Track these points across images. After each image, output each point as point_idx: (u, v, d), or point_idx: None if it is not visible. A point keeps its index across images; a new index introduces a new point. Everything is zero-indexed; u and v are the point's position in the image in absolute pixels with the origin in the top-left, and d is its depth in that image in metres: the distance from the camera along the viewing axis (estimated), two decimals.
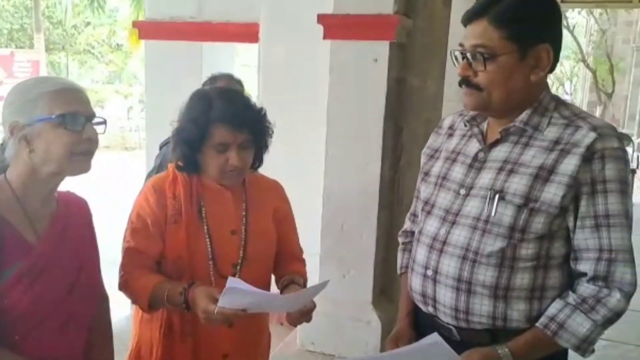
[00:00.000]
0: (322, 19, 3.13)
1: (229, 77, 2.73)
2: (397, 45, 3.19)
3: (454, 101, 1.44)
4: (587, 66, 27.47)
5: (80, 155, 1.39)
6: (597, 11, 24.40)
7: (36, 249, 1.39)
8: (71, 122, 1.36)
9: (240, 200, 1.78)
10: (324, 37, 3.13)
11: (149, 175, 2.43)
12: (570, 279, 1.44)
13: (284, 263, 1.87)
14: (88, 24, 21.26)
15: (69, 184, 1.53)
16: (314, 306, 1.65)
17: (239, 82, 2.73)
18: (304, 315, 1.64)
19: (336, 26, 3.13)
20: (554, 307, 1.40)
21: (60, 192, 1.51)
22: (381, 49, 3.11)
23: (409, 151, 3.43)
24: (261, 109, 1.75)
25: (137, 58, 20.87)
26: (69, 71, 20.98)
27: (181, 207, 1.70)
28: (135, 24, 5.13)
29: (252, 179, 1.83)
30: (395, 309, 1.79)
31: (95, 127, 1.42)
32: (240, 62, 20.50)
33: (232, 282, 1.46)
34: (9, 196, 1.37)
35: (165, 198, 1.71)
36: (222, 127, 1.63)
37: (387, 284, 3.43)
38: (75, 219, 1.52)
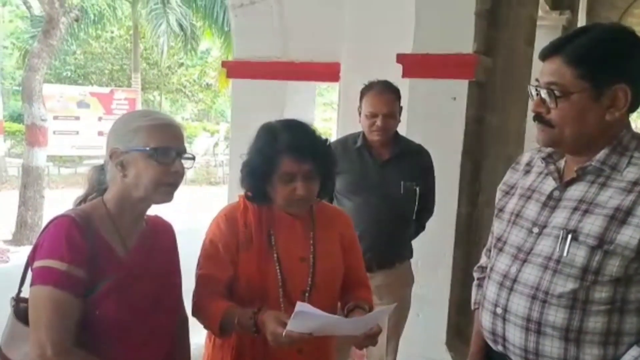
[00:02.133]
0: (401, 58, 3.20)
1: (384, 83, 2.75)
2: (476, 84, 3.20)
3: (536, 141, 1.44)
4: None
5: (166, 186, 1.52)
6: None
7: (125, 263, 1.51)
8: (162, 155, 1.49)
9: (308, 228, 1.83)
10: (403, 76, 3.18)
11: None
12: None
13: (350, 289, 1.89)
14: (181, 65, 22.39)
15: (159, 211, 1.66)
16: (379, 330, 1.66)
17: (396, 90, 2.74)
18: (369, 338, 1.65)
19: (415, 65, 3.18)
20: (630, 355, 1.34)
21: (149, 215, 1.64)
22: (460, 88, 3.13)
23: (488, 189, 3.38)
24: (326, 140, 1.80)
25: (224, 97, 21.76)
26: (162, 109, 22.13)
27: (252, 234, 1.76)
28: (224, 64, 5.40)
29: (318, 208, 1.88)
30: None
31: (184, 161, 1.55)
32: (323, 101, 20.95)
33: (301, 306, 1.49)
34: (104, 215, 1.51)
35: (237, 226, 1.77)
36: (287, 157, 1.68)
37: (463, 324, 3.36)
38: (161, 240, 1.65)
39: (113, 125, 1.56)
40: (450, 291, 3.22)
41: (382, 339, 2.76)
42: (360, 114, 2.76)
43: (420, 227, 2.97)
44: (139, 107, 16.65)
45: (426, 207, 2.90)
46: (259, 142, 1.76)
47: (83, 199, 1.59)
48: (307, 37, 4.38)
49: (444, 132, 3.15)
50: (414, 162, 2.81)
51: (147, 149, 1.48)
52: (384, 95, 2.69)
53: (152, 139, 1.48)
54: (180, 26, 16.96)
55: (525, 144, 4.18)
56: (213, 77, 22.06)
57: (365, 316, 1.67)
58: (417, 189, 2.76)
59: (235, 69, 4.85)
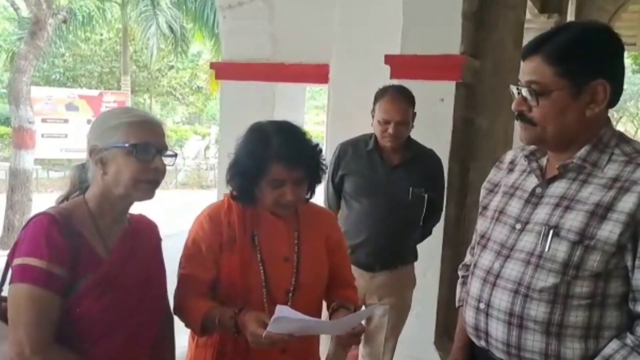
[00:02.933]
0: (389, 59, 3.20)
1: (398, 89, 2.71)
2: (464, 86, 3.21)
3: (519, 139, 1.47)
4: None
5: (146, 183, 1.50)
6: None
7: (106, 262, 1.49)
8: (142, 152, 1.47)
9: (292, 228, 1.81)
10: (391, 77, 3.18)
11: None
12: (631, 320, 1.38)
13: (336, 289, 1.89)
14: (171, 67, 22.32)
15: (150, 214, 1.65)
16: (363, 329, 1.66)
17: (410, 97, 2.70)
18: (353, 337, 1.65)
19: (403, 66, 3.19)
20: (610, 347, 1.35)
21: (133, 214, 1.63)
22: (447, 89, 3.14)
23: (476, 191, 3.39)
24: (317, 144, 1.78)
25: (215, 100, 21.71)
26: (152, 111, 22.01)
27: (235, 234, 1.74)
28: (212, 65, 5.36)
29: (304, 208, 1.86)
30: None
31: (165, 158, 1.53)
32: (315, 104, 20.93)
33: (281, 310, 1.48)
34: (85, 213, 1.50)
35: (221, 225, 1.75)
36: (278, 164, 1.65)
37: (451, 324, 3.36)
38: (145, 239, 1.63)
39: (93, 123, 1.55)
40: (439, 291, 3.23)
41: (381, 338, 2.78)
42: (373, 117, 2.73)
43: (427, 232, 2.96)
44: None
45: (434, 213, 2.89)
46: (249, 144, 1.73)
47: (65, 198, 1.57)
48: (296, 38, 4.37)
49: (431, 134, 3.14)
50: (424, 168, 2.79)
51: (126, 145, 1.46)
52: (397, 102, 2.65)
53: (132, 135, 1.47)
54: (170, 28, 16.91)
55: (514, 146, 4.19)
56: (204, 79, 21.99)
57: (346, 317, 1.66)
58: (426, 195, 2.73)
59: (223, 71, 4.83)
